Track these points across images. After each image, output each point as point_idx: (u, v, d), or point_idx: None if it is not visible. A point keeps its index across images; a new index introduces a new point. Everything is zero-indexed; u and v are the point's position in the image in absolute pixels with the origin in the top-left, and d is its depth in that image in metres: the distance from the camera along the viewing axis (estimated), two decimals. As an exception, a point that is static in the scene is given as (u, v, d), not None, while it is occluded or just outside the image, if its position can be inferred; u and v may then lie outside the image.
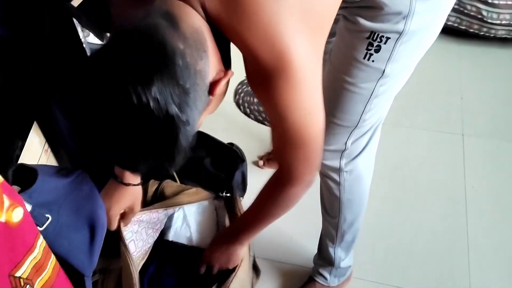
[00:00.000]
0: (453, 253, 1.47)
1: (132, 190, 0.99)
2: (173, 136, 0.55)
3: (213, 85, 0.63)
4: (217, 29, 0.64)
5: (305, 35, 0.64)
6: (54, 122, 0.98)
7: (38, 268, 0.55)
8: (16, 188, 0.58)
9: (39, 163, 0.94)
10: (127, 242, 1.01)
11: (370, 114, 0.94)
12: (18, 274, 0.51)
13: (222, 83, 0.64)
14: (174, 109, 0.54)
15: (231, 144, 1.59)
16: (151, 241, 1.13)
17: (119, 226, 1.01)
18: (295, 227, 1.50)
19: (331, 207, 1.16)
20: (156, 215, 1.12)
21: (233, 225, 1.11)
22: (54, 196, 0.62)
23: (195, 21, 0.61)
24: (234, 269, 1.08)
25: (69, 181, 0.64)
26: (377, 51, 0.83)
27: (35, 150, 0.95)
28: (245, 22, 0.61)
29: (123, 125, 0.54)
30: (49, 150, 1.03)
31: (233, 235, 1.05)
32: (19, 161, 0.82)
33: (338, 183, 1.08)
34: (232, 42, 0.66)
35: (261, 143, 1.75)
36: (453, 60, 2.19)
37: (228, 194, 1.30)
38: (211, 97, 0.64)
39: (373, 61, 0.84)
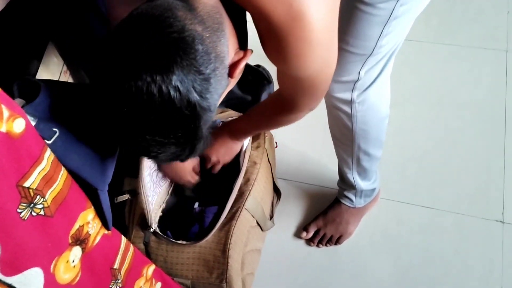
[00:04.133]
0: (489, 174, 1.42)
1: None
2: (194, 125, 0.54)
3: (232, 67, 0.60)
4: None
5: None
6: (72, 44, 0.97)
7: (47, 180, 0.56)
8: (20, 101, 0.57)
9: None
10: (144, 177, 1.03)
11: (387, 39, 0.86)
12: (26, 184, 0.52)
13: (242, 64, 0.60)
14: (195, 97, 0.52)
15: (258, 65, 1.55)
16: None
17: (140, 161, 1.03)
18: (322, 150, 1.48)
19: (343, 137, 1.12)
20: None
21: (230, 121, 1.11)
22: (62, 110, 0.61)
23: None
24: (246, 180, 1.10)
25: (78, 96, 0.63)
26: None
27: (53, 71, 0.94)
28: None
29: (142, 115, 0.51)
30: (68, 72, 1.02)
31: (226, 129, 1.07)
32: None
33: (350, 115, 1.03)
34: (244, 7, 0.61)
35: (290, 65, 1.70)
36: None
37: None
38: (230, 79, 0.60)
39: None
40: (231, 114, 1.29)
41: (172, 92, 0.50)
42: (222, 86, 0.58)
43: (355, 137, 1.09)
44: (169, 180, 1.14)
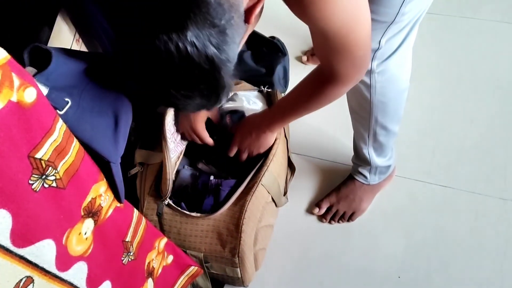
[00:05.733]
0: (507, 153, 1.38)
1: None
2: (215, 77, 0.53)
3: (248, 13, 0.57)
4: None
5: None
6: (85, 14, 0.94)
7: (59, 151, 0.55)
8: (32, 69, 0.56)
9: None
10: (168, 139, 1.02)
11: (410, 5, 0.82)
12: (38, 155, 0.51)
13: (258, 9, 0.58)
14: (213, 51, 0.51)
15: (273, 37, 1.51)
16: (184, 142, 1.14)
17: (162, 124, 1.02)
18: (335, 124, 1.46)
19: (360, 109, 1.09)
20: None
21: (265, 112, 1.08)
22: (75, 80, 0.59)
23: None
24: (266, 157, 1.07)
25: (92, 65, 0.61)
26: None
27: (65, 39, 0.92)
28: None
29: (163, 73, 0.52)
30: (80, 40, 1.00)
31: (266, 122, 1.04)
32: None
33: (368, 86, 1.00)
34: None
35: (305, 38, 1.65)
36: None
37: (269, 89, 1.26)
38: (247, 25, 0.58)
39: None
40: (245, 86, 1.27)
41: (189, 48, 0.49)
42: (239, 34, 0.57)
43: (373, 109, 1.06)
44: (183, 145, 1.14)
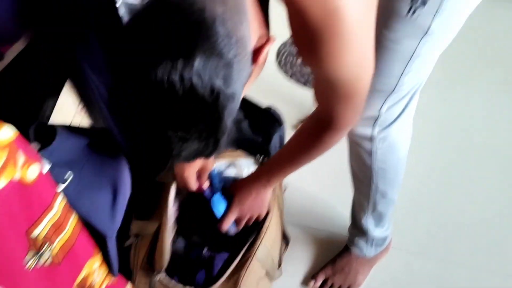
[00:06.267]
0: (505, 227, 1.38)
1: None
2: (218, 116, 0.50)
3: (255, 53, 0.57)
4: None
5: None
6: (86, 83, 0.97)
7: (57, 227, 0.55)
8: (36, 145, 0.57)
9: (72, 124, 0.93)
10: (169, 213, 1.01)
11: (409, 77, 0.86)
12: (36, 232, 0.51)
13: (265, 50, 0.58)
14: (218, 84, 0.48)
15: (269, 108, 1.55)
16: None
17: (167, 193, 1.01)
18: (331, 193, 1.46)
19: (362, 175, 1.10)
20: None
21: (263, 167, 1.06)
22: (76, 156, 0.61)
23: None
24: (260, 229, 1.06)
25: (92, 141, 0.63)
26: (423, 2, 0.75)
27: (68, 111, 0.94)
28: None
29: (163, 106, 0.48)
30: (83, 110, 1.02)
31: (264, 176, 1.02)
32: (49, 123, 0.82)
33: (370, 152, 1.02)
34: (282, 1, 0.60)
35: (302, 107, 1.69)
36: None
37: (266, 158, 1.28)
38: (253, 66, 0.57)
39: (418, 15, 0.76)
40: (242, 155, 1.28)
41: (194, 79, 0.46)
42: (245, 74, 0.55)
43: (374, 176, 1.07)
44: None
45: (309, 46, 0.62)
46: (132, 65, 0.48)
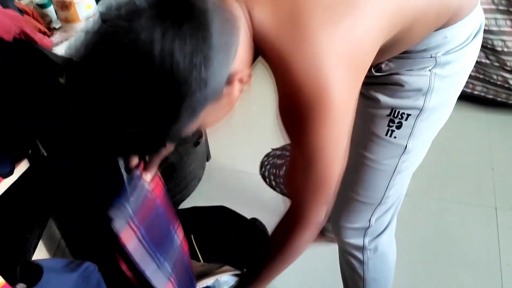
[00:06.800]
0: None
1: None
2: (178, 97, 0.51)
3: (233, 77, 0.58)
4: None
5: (347, 75, 0.63)
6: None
7: None
8: (22, 286, 0.60)
9: (59, 249, 0.96)
10: None
11: (393, 190, 0.93)
12: None
13: (241, 83, 0.60)
14: (198, 59, 0.51)
15: (254, 219, 1.58)
16: None
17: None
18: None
19: (353, 285, 1.12)
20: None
21: (242, 280, 1.06)
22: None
23: (233, 9, 0.59)
24: None
25: (77, 275, 0.65)
26: (398, 127, 0.83)
27: (54, 236, 0.97)
28: (296, 46, 0.59)
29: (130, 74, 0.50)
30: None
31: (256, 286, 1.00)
32: (37, 249, 0.85)
33: (361, 262, 1.05)
34: (270, 66, 0.64)
35: (286, 218, 1.73)
36: (482, 129, 2.15)
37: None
38: (224, 91, 0.58)
39: (395, 137, 0.84)
40: (227, 270, 1.28)
41: (175, 45, 0.49)
42: (219, 84, 0.56)
43: (366, 286, 1.09)
44: None
45: (294, 120, 0.65)
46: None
